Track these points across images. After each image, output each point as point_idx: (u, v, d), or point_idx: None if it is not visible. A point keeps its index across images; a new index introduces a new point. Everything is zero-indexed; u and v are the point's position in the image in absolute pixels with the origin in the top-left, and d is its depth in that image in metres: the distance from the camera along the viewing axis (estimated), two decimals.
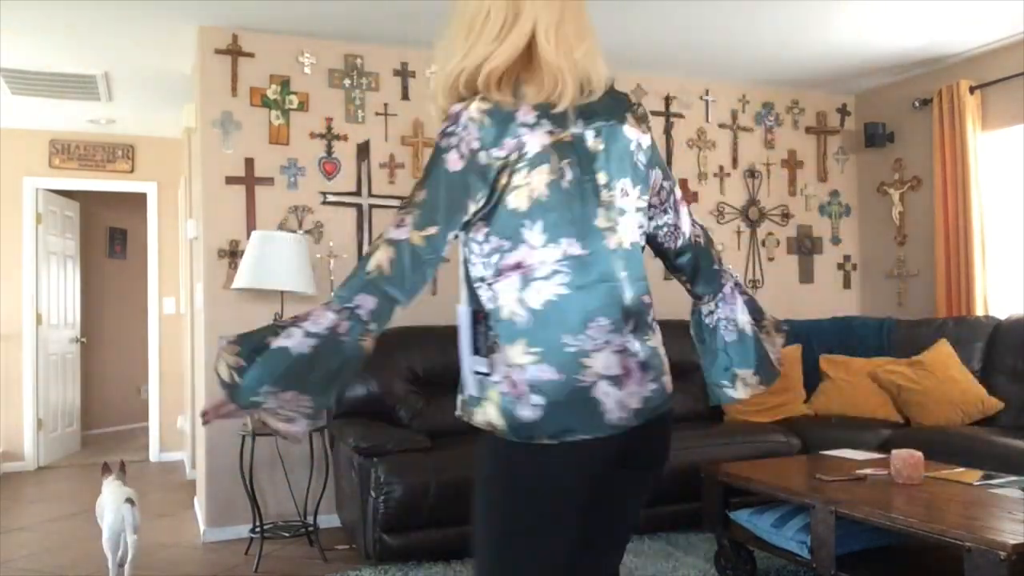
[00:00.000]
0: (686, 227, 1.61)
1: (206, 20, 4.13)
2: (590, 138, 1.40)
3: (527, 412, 1.33)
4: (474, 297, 1.42)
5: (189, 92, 4.91)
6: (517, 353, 1.35)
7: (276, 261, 3.85)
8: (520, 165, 1.35)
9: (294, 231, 4.29)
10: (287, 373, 1.28)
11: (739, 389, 1.61)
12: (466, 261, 1.44)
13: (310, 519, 3.92)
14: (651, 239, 1.59)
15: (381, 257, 1.32)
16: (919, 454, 2.94)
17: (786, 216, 5.49)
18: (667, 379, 1.48)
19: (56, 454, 6.50)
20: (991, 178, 4.77)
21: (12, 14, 3.96)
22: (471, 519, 1.41)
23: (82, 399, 7.18)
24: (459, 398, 1.45)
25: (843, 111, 5.67)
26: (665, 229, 1.59)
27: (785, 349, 4.56)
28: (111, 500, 3.37)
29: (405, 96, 4.57)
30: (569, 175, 1.37)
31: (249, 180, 4.26)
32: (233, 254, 4.20)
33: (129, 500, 3.34)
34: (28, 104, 5.52)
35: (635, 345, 1.40)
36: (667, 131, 5.17)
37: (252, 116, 4.28)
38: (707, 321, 1.65)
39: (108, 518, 3.33)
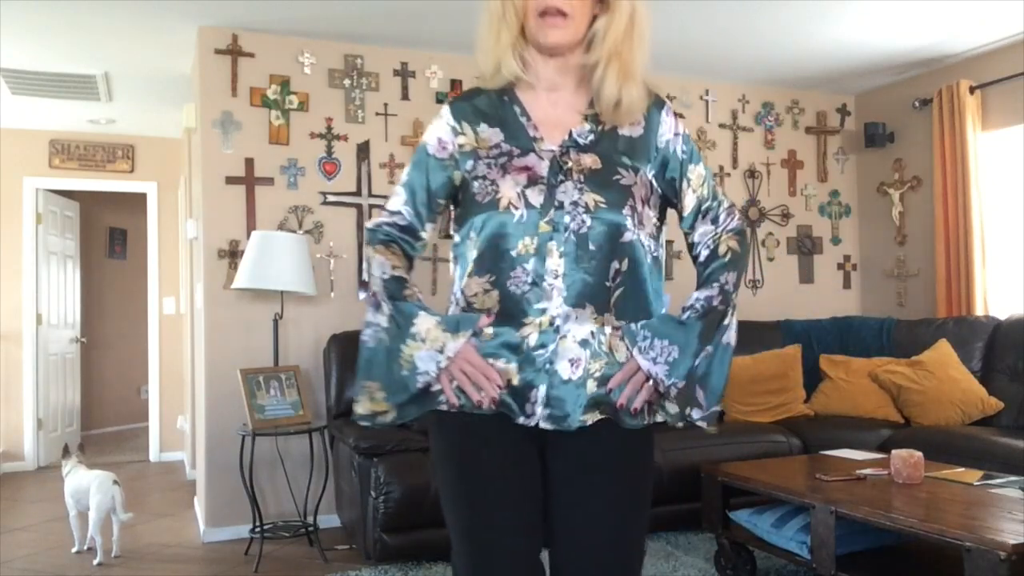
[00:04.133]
0: None
1: (206, 20, 4.13)
2: None
3: None
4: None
5: (189, 92, 4.91)
6: None
7: (276, 261, 3.85)
8: None
9: (294, 231, 4.29)
10: None
11: None
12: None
13: (310, 519, 3.92)
14: None
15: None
16: (919, 454, 2.94)
17: (786, 216, 5.49)
18: None
19: (56, 454, 6.47)
20: (991, 178, 4.77)
21: (12, 14, 3.95)
22: (635, 505, 1.51)
23: (82, 399, 7.17)
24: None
25: (843, 111, 5.67)
26: None
27: (785, 349, 4.62)
28: (97, 483, 3.70)
29: (405, 96, 4.57)
30: None
31: (249, 180, 4.26)
32: (233, 254, 4.20)
33: (116, 482, 3.73)
34: (28, 104, 5.52)
35: None
36: None
37: (252, 116, 4.28)
38: None
39: (96, 499, 3.66)
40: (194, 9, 3.97)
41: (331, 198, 4.41)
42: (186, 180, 5.52)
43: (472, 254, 1.46)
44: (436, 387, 1.45)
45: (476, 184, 1.48)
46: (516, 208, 1.42)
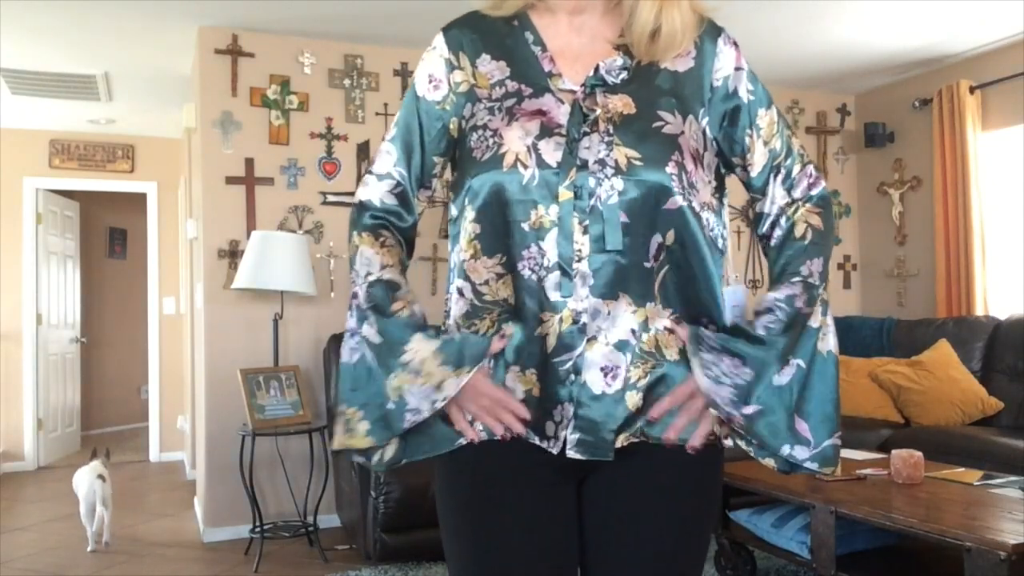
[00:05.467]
0: None
1: (206, 20, 4.13)
2: None
3: None
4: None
5: (189, 92, 4.91)
6: None
7: (276, 261, 3.85)
8: None
9: (294, 231, 4.29)
10: None
11: None
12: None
13: (310, 519, 3.92)
14: None
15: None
16: (919, 454, 2.94)
17: None
18: None
19: (56, 454, 6.50)
20: (991, 178, 4.77)
21: (12, 14, 3.95)
22: (692, 553, 1.17)
23: (82, 399, 7.18)
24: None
25: (843, 111, 5.67)
26: None
27: None
28: (86, 476, 3.92)
29: None
30: None
31: (249, 180, 4.26)
32: (233, 254, 4.20)
33: (100, 476, 3.89)
34: (28, 104, 5.52)
35: None
36: None
37: (252, 116, 4.28)
38: None
39: (82, 491, 3.89)
40: (194, 9, 3.97)
41: (331, 198, 4.41)
42: (186, 180, 5.52)
43: (475, 228, 1.12)
44: (427, 420, 1.12)
45: (474, 136, 1.14)
46: (525, 166, 1.08)
